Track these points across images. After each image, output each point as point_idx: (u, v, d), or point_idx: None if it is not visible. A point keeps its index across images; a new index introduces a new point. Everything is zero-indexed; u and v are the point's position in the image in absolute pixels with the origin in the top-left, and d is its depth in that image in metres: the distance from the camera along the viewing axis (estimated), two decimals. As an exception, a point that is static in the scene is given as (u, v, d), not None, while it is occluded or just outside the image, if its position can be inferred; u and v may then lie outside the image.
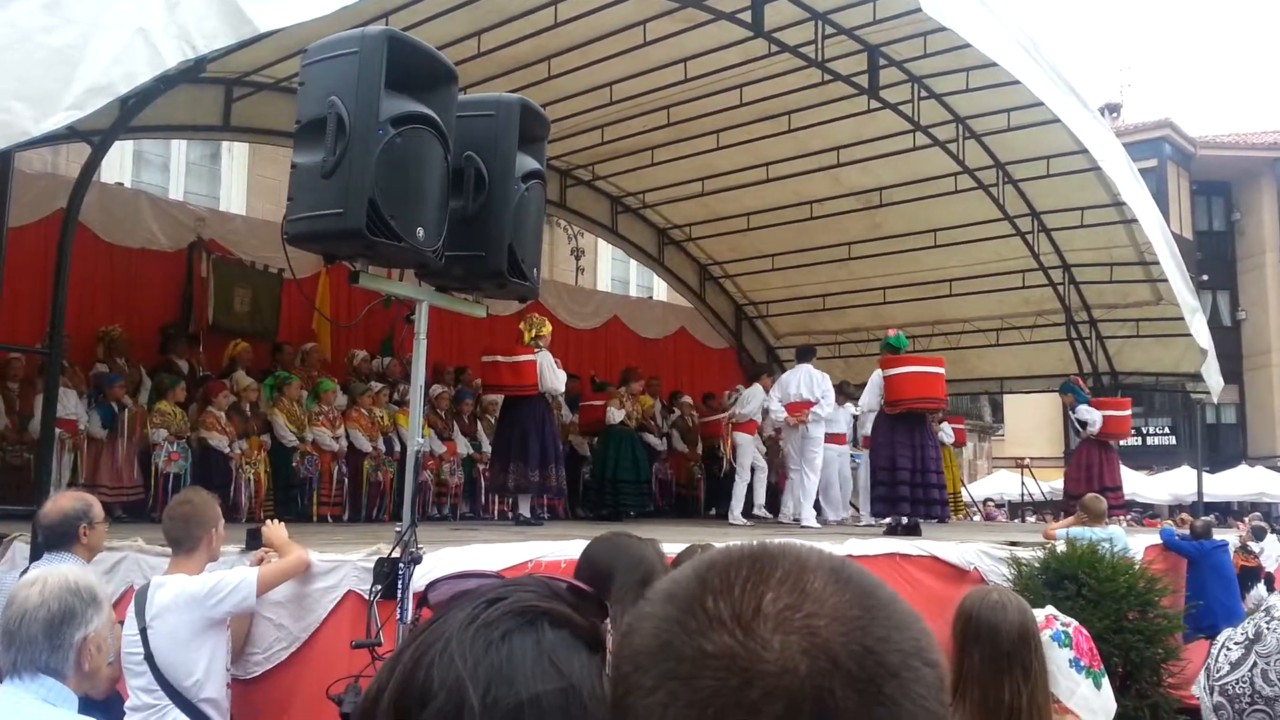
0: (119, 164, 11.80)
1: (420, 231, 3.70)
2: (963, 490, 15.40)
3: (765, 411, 10.60)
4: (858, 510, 11.10)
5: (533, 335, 8.92)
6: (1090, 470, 11.25)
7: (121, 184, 11.08)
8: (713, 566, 0.68)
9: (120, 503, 8.31)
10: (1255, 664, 1.44)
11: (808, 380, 10.03)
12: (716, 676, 0.62)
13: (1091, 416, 11.38)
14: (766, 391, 10.57)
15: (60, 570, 2.36)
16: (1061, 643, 2.78)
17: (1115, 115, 30.62)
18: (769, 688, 0.61)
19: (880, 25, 9.36)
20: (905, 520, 8.51)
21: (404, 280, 4.26)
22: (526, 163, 4.27)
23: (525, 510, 8.85)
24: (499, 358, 9.12)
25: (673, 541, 3.83)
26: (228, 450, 8.79)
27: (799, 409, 9.89)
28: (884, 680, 0.62)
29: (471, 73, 8.57)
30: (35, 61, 4.39)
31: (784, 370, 12.64)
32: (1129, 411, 12.01)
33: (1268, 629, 1.45)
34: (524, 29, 8.88)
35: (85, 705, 2.26)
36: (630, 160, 12.25)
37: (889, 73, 10.02)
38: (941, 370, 9.14)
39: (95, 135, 6.02)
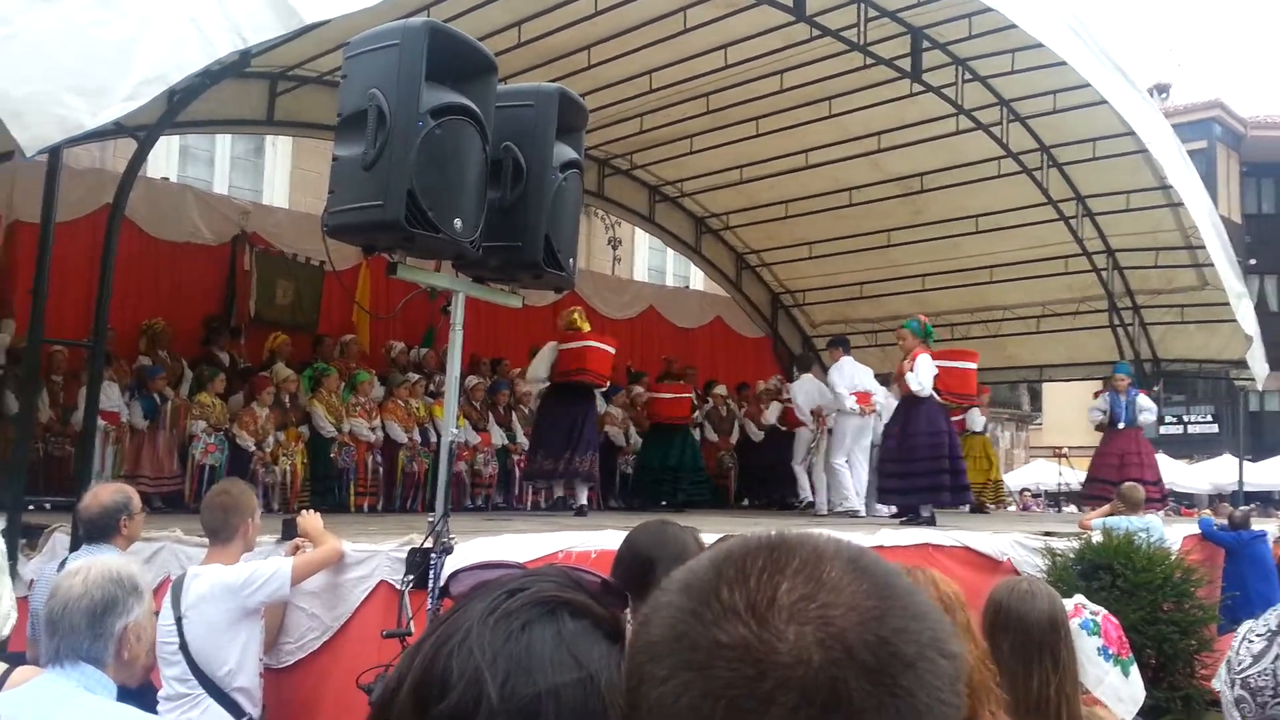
0: (164, 159, 11.96)
1: (458, 222, 3.71)
2: (1003, 479, 15.20)
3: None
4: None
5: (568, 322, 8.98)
6: (1124, 459, 10.93)
7: (167, 179, 11.22)
8: (729, 556, 0.67)
9: (160, 493, 8.45)
10: (1279, 656, 1.41)
11: (861, 371, 10.03)
12: (731, 667, 0.61)
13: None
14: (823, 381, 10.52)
15: (103, 560, 2.40)
16: (1090, 631, 2.75)
17: (1164, 96, 30.08)
18: (783, 678, 0.60)
19: (924, 7, 9.23)
20: (921, 511, 8.44)
21: (441, 271, 4.27)
22: (565, 152, 4.26)
23: (584, 499, 8.89)
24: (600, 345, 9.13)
25: (711, 531, 3.82)
26: (253, 449, 8.87)
27: (865, 399, 9.85)
28: (899, 671, 0.61)
29: (512, 63, 8.57)
30: (89, 55, 4.44)
31: (820, 361, 12.61)
32: (971, 365, 9.47)
33: None
34: (563, 18, 8.86)
35: (120, 694, 2.29)
36: (668, 149, 12.20)
37: (932, 55, 9.88)
38: (974, 366, 8.98)
39: (141, 130, 6.08)
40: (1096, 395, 11.67)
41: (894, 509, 9.28)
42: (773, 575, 0.65)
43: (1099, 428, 11.40)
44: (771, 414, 12.28)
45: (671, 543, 2.44)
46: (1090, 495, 11.26)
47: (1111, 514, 7.94)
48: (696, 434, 12.39)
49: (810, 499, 10.89)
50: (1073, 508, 21.14)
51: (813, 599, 0.63)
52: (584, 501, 8.90)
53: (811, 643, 0.61)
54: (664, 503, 10.82)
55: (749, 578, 0.65)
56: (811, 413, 10.83)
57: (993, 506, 13.04)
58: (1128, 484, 8.48)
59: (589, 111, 4.71)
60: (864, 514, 9.69)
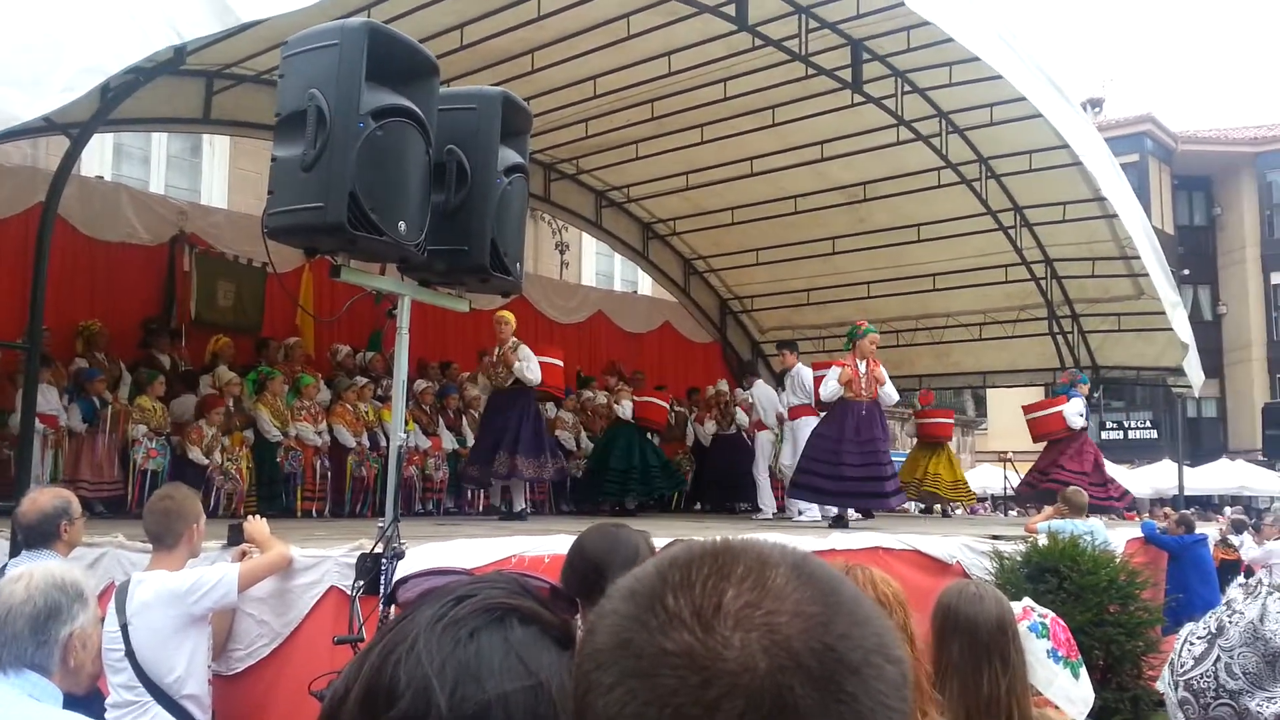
0: (99, 157, 11.72)
1: (402, 225, 3.69)
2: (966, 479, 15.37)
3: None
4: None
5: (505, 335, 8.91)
6: (1067, 466, 11.17)
7: (101, 177, 10.99)
8: (674, 563, 0.67)
9: (100, 498, 8.27)
10: (1219, 658, 1.45)
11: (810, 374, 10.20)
12: (676, 674, 0.61)
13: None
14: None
15: (46, 566, 2.35)
16: (1039, 633, 2.80)
17: (1097, 110, 30.74)
18: (728, 686, 0.60)
19: (863, 19, 9.37)
20: (844, 512, 8.57)
21: (386, 274, 4.24)
22: (509, 156, 4.25)
23: (521, 503, 8.86)
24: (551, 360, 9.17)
25: (663, 535, 3.83)
26: (206, 461, 8.73)
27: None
28: (844, 677, 0.61)
29: (455, 65, 8.54)
30: (22, 45, 4.35)
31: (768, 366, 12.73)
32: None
33: (1230, 622, 1.46)
34: (507, 21, 8.85)
35: (67, 701, 2.25)
36: (614, 154, 12.23)
37: (872, 67, 10.04)
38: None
39: (74, 128, 5.98)
40: (1067, 400, 11.61)
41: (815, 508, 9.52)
42: (718, 582, 0.64)
43: (1080, 431, 11.58)
44: (742, 420, 12.41)
45: (623, 546, 2.41)
46: (1109, 498, 11.46)
47: (1055, 517, 8.08)
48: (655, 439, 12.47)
49: (775, 510, 10.85)
50: (1015, 512, 21.51)
51: (758, 606, 0.63)
52: (522, 505, 8.86)
53: (757, 650, 0.61)
54: (616, 505, 10.82)
55: (694, 585, 0.65)
56: (776, 417, 10.95)
57: (959, 513, 13.31)
58: (1072, 488, 8.63)
59: (534, 115, 4.71)
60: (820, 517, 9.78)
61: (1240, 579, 1.61)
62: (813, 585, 0.65)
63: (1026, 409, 12.15)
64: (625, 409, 11.24)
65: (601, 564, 2.33)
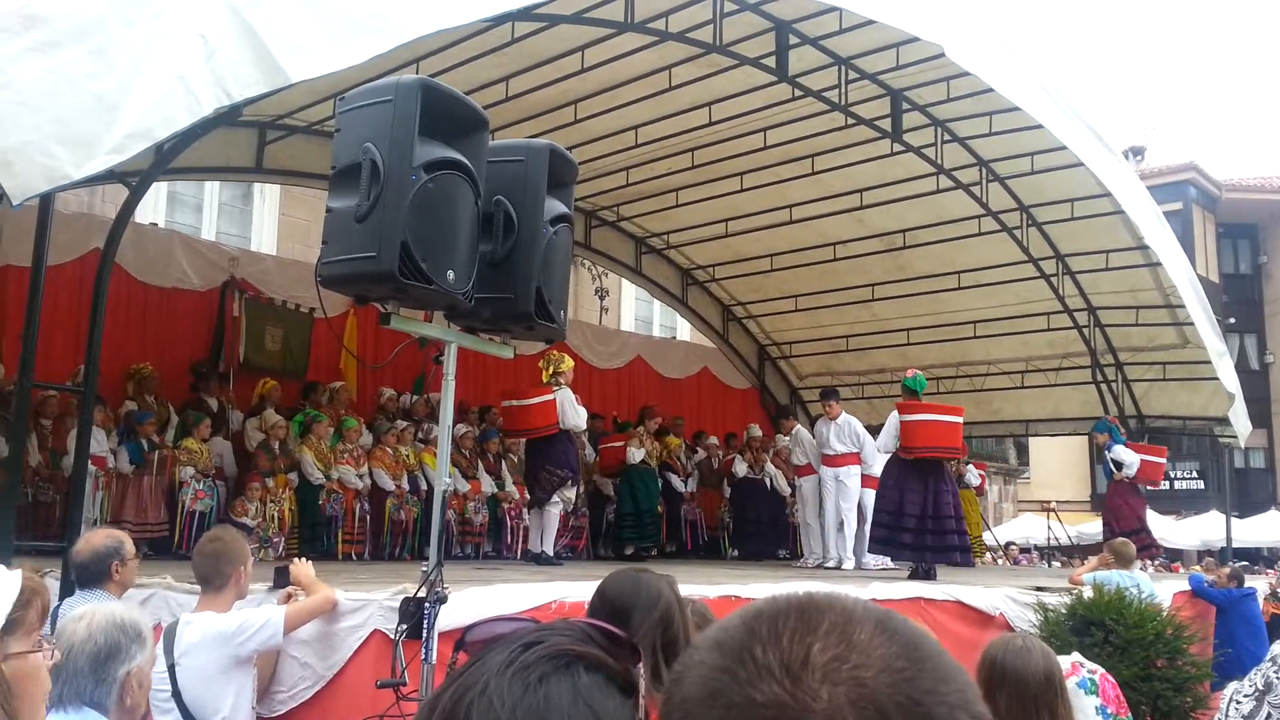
0: (153, 204, 12.01)
1: (450, 274, 3.76)
2: (986, 534, 15.25)
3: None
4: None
5: (551, 373, 8.98)
6: (1136, 510, 11.04)
7: (155, 224, 11.27)
8: (760, 615, 0.69)
9: (145, 538, 8.37)
10: (1270, 715, 1.44)
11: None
12: None
13: (1129, 457, 11.09)
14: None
15: (108, 606, 2.42)
16: (1088, 690, 2.77)
17: (1140, 158, 30.55)
18: None
19: (903, 70, 9.44)
20: (920, 566, 8.46)
21: (433, 321, 4.32)
22: (555, 207, 4.33)
23: (549, 548, 8.86)
24: (514, 402, 9.19)
25: (692, 583, 3.84)
26: (253, 526, 8.79)
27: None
28: None
29: (500, 116, 8.68)
30: (78, 107, 4.51)
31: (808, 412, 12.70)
32: (1164, 459, 11.80)
33: (1277, 679, 1.45)
34: (552, 74, 9.02)
35: (118, 741, 2.29)
36: (655, 202, 12.35)
37: (912, 116, 10.09)
38: (960, 420, 9.06)
39: (132, 177, 6.13)
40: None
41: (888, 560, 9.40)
42: (804, 636, 0.66)
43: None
44: (771, 469, 12.39)
45: (645, 590, 2.41)
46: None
47: (1101, 567, 7.95)
48: (688, 484, 12.43)
49: (844, 558, 10.49)
50: (1058, 563, 21.13)
51: (845, 660, 0.64)
52: (547, 549, 8.87)
53: (845, 703, 0.62)
54: (628, 552, 10.82)
55: (781, 637, 0.66)
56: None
57: (981, 563, 13.10)
58: (1120, 539, 8.50)
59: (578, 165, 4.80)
60: (852, 567, 9.71)
61: None
62: (898, 640, 0.67)
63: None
64: (633, 454, 11.25)
65: (624, 607, 2.34)
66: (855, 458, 10.31)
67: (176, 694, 3.67)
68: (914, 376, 9.05)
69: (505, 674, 0.79)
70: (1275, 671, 1.47)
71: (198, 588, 4.08)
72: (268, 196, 13.56)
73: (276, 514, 9.01)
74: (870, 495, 10.45)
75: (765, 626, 0.68)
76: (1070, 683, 2.66)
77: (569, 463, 8.91)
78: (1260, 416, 21.53)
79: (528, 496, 9.42)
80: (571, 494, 9.20)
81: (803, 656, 0.65)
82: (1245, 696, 1.49)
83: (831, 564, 10.20)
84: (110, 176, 6.40)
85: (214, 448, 9.29)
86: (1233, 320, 26.55)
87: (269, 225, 13.65)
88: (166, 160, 6.21)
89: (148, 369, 9.31)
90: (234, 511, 8.84)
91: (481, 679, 0.79)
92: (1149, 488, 11.49)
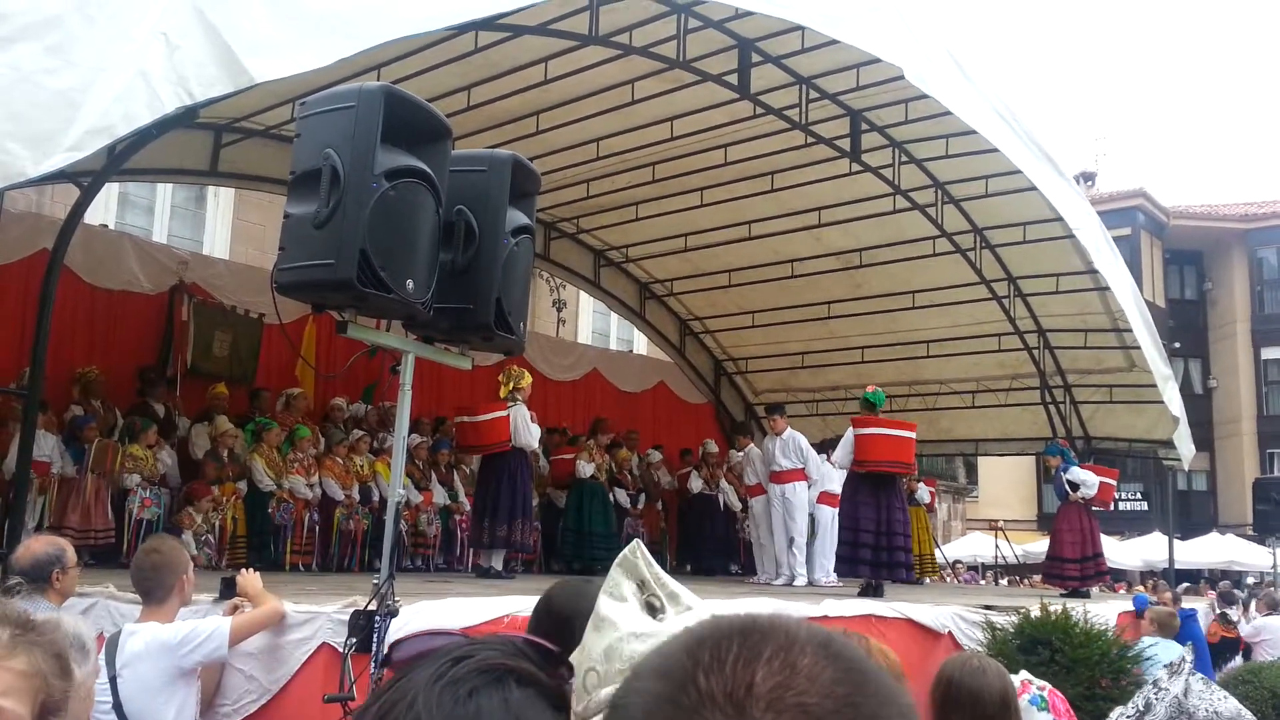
0: (103, 205, 11.77)
1: (410, 284, 3.72)
2: (936, 551, 15.40)
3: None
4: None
5: (510, 388, 8.92)
6: (1084, 534, 11.06)
7: (105, 225, 11.05)
8: (702, 642, 0.68)
9: (88, 545, 8.16)
10: None
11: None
12: None
13: (1086, 478, 11.15)
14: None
15: (50, 617, 2.34)
16: (1039, 706, 2.80)
17: (1090, 184, 31.14)
18: None
19: (863, 91, 9.55)
20: (871, 582, 8.51)
21: (391, 331, 4.27)
22: (516, 218, 4.30)
23: (498, 564, 8.78)
24: (465, 418, 9.13)
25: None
26: (195, 552, 8.59)
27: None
28: None
29: (462, 125, 8.65)
30: (36, 103, 4.41)
31: (762, 429, 12.75)
32: (1115, 481, 11.96)
33: (1156, 700, 1.48)
34: (514, 84, 9.01)
35: (58, 756, 2.22)
36: (614, 215, 12.37)
37: (870, 137, 10.21)
38: (913, 435, 9.13)
39: (84, 177, 6.03)
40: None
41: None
42: (749, 663, 0.65)
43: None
44: (725, 487, 12.40)
45: (590, 600, 2.39)
46: (1050, 574, 11.43)
47: (1146, 634, 7.80)
48: (636, 499, 12.40)
49: (796, 575, 10.44)
50: (1004, 581, 21.39)
51: (789, 686, 0.64)
52: (497, 565, 8.78)
53: None
54: (577, 566, 10.78)
55: (724, 664, 0.65)
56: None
57: (931, 580, 13.21)
58: (1167, 610, 8.39)
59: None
60: (804, 583, 9.75)
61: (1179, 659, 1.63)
62: (839, 665, 0.66)
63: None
64: (582, 468, 11.24)
65: (569, 616, 2.31)
66: (801, 474, 10.36)
67: (117, 705, 3.58)
68: (874, 391, 9.13)
69: (434, 688, 0.77)
70: (1155, 693, 1.50)
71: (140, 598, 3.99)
72: (221, 200, 13.35)
73: (218, 523, 8.84)
74: (826, 511, 10.51)
75: (708, 653, 0.67)
76: (1022, 700, 2.68)
77: (516, 501, 8.82)
78: (1203, 440, 21.99)
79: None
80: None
81: (746, 684, 0.64)
82: (1128, 718, 1.53)
83: (781, 582, 10.23)
84: (62, 176, 6.28)
85: (159, 454, 9.09)
86: (1178, 345, 27.08)
87: (222, 229, 13.44)
88: (120, 161, 6.11)
89: (95, 372, 9.10)
90: (181, 522, 8.66)
91: (409, 693, 0.78)
92: (1097, 509, 11.60)
